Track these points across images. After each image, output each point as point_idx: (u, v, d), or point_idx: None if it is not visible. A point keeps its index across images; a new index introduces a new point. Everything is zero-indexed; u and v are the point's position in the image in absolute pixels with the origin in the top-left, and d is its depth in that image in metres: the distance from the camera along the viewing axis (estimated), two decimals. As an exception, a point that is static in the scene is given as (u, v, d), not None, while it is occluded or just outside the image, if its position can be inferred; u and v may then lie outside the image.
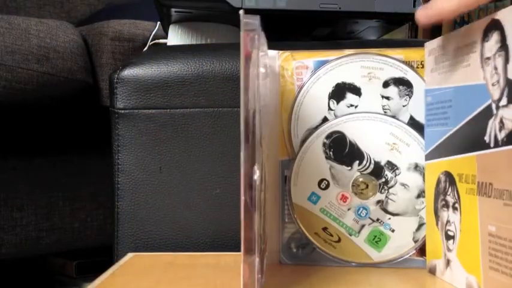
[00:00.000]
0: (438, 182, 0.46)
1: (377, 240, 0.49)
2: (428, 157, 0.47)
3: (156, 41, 0.95)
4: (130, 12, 1.23)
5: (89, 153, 1.11)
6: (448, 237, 0.44)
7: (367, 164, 0.50)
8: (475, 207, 0.40)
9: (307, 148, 0.50)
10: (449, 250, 0.44)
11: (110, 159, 0.64)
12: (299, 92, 0.51)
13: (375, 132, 0.49)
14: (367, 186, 0.50)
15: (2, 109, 0.93)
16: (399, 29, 0.78)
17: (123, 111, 0.61)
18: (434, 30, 2.13)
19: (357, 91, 0.50)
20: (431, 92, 0.47)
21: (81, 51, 0.98)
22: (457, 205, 0.43)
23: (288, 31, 0.74)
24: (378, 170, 0.50)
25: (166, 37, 0.78)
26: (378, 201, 0.50)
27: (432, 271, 0.47)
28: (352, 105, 0.50)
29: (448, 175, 0.44)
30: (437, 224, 0.46)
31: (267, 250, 0.51)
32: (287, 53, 0.52)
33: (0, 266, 1.19)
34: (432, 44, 0.47)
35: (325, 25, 0.71)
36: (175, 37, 0.74)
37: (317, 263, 0.51)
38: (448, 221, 0.44)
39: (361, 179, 0.50)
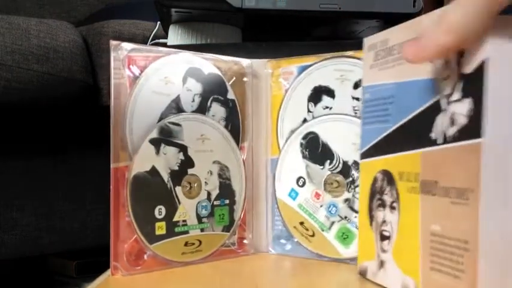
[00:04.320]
0: (374, 181, 0.44)
1: (345, 237, 0.51)
2: (364, 156, 0.45)
3: (156, 41, 0.95)
4: (130, 12, 1.23)
5: (89, 153, 1.11)
6: (383, 238, 0.43)
7: (337, 164, 0.51)
8: (416, 206, 0.39)
9: (288, 147, 0.54)
10: (383, 251, 0.43)
11: (109, 159, 0.63)
12: (284, 96, 0.55)
13: (344, 133, 0.51)
14: (338, 185, 0.51)
15: (2, 109, 0.93)
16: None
17: (123, 111, 0.61)
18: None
19: (331, 93, 0.52)
20: (370, 88, 0.45)
21: (81, 51, 0.98)
22: (395, 204, 0.41)
23: (288, 31, 0.74)
24: (346, 169, 0.51)
25: (166, 37, 0.78)
26: (346, 200, 0.51)
27: (363, 273, 0.45)
28: (327, 107, 0.52)
29: (386, 174, 0.42)
30: (371, 224, 0.44)
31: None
32: (274, 61, 0.55)
33: (0, 266, 1.19)
34: (372, 39, 0.45)
35: (325, 25, 0.71)
36: (175, 37, 0.74)
37: (297, 254, 0.53)
38: (384, 221, 0.42)
39: (333, 178, 0.52)
